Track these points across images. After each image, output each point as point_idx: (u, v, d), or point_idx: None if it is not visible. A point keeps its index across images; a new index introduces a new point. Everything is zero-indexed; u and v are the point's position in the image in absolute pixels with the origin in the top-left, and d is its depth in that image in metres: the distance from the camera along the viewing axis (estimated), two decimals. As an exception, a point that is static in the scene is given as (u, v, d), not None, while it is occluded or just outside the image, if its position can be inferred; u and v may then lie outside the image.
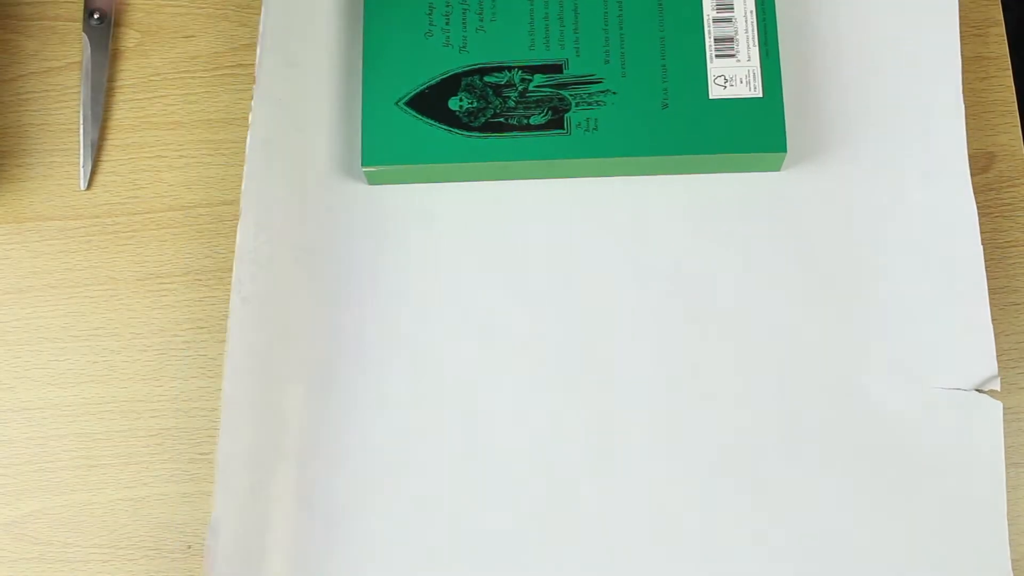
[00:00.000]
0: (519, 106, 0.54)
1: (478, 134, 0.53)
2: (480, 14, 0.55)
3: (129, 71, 0.57)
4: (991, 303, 0.54)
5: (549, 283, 0.54)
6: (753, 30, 0.54)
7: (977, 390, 0.52)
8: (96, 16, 0.57)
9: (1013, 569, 0.51)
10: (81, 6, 0.58)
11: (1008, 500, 0.52)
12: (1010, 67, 0.58)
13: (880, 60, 0.56)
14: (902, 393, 0.52)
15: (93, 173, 0.56)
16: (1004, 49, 0.58)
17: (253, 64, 0.57)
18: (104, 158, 0.56)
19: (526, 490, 0.52)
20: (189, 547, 0.52)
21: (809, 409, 0.52)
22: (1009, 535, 0.51)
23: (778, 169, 0.55)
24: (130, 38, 0.58)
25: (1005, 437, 0.53)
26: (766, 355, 0.53)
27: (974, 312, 0.53)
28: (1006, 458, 0.52)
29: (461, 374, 0.53)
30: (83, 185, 0.55)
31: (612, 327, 0.53)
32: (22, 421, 0.53)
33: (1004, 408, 0.53)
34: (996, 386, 0.52)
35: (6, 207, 0.55)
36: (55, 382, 0.53)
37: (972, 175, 0.56)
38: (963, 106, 0.55)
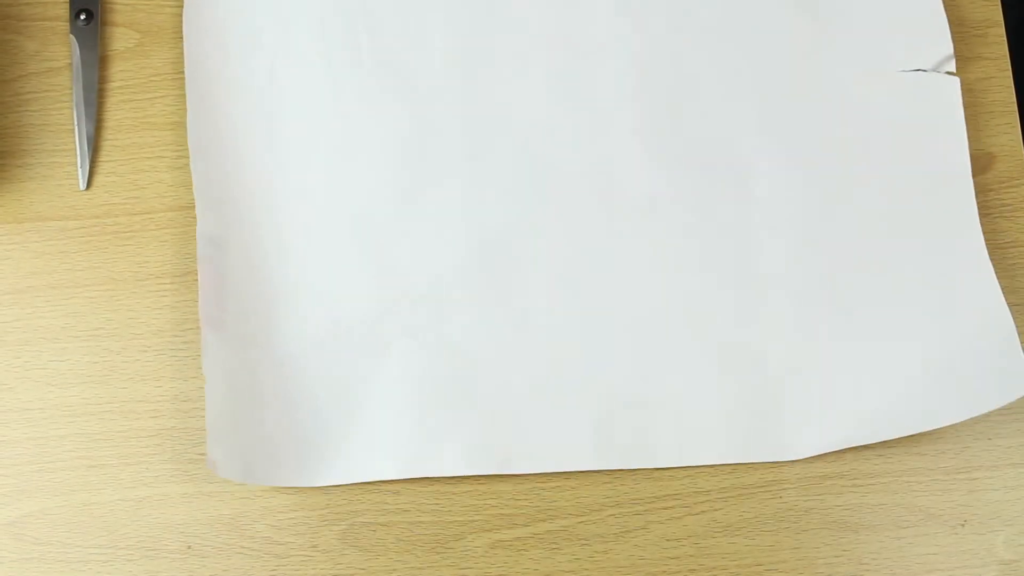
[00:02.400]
0: None
1: None
2: None
3: (129, 71, 0.57)
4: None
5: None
6: None
7: (935, 71, 0.56)
8: (83, 16, 0.57)
9: (1012, 570, 0.51)
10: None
11: (1008, 500, 0.52)
12: (1010, 67, 0.58)
13: None
14: (865, 82, 0.56)
15: (92, 173, 0.56)
16: (1004, 50, 0.58)
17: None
18: (104, 158, 0.56)
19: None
20: (189, 547, 0.52)
21: (779, 107, 0.56)
22: (1009, 535, 0.51)
23: None
24: (129, 38, 0.58)
25: (1005, 438, 0.53)
26: (737, 61, 0.56)
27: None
28: (1006, 459, 0.52)
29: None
30: (82, 185, 0.55)
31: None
32: (22, 421, 0.53)
33: (1004, 407, 0.53)
34: (951, 67, 0.55)
35: (6, 207, 0.55)
36: (55, 382, 0.53)
37: (972, 175, 0.56)
38: None
